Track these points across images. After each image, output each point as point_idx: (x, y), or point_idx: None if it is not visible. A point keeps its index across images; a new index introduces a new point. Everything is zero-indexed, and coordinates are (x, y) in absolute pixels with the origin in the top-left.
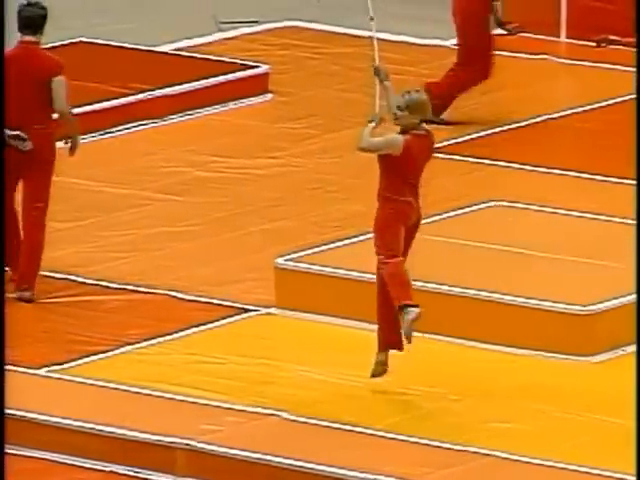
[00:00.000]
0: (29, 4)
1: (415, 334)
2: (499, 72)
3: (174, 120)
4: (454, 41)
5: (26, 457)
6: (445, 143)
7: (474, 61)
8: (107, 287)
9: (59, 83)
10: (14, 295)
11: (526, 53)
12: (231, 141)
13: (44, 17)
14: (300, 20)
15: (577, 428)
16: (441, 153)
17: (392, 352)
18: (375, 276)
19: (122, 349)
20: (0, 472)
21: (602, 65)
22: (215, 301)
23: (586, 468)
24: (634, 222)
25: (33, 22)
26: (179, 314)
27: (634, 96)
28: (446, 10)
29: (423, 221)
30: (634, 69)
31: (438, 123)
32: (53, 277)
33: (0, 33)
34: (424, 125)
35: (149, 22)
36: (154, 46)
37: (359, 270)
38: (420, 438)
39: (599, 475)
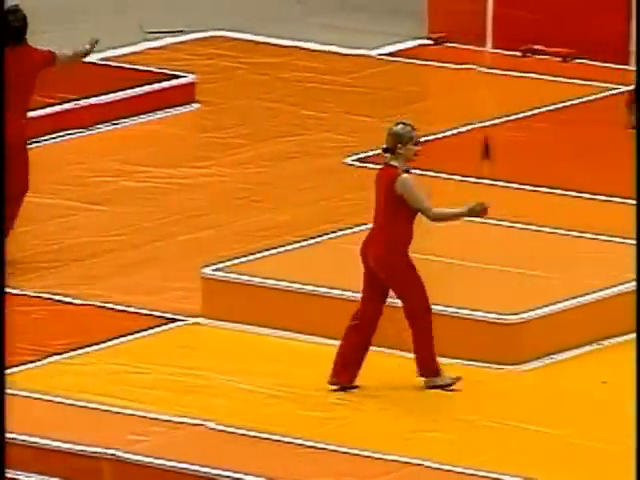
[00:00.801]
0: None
1: None
2: (425, 82)
3: (101, 130)
4: (380, 51)
5: None
6: (371, 153)
7: None
8: (33, 297)
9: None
10: None
11: (452, 63)
12: (157, 151)
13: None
14: (225, 30)
15: (504, 437)
16: (369, 163)
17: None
18: None
19: (48, 359)
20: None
21: (528, 75)
22: (141, 311)
23: (512, 477)
24: (565, 232)
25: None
26: (105, 324)
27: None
28: (373, 21)
29: (348, 231)
30: (560, 78)
31: None
32: None
33: (0, 33)
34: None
35: (75, 32)
36: None
37: (287, 280)
38: (348, 448)
39: None
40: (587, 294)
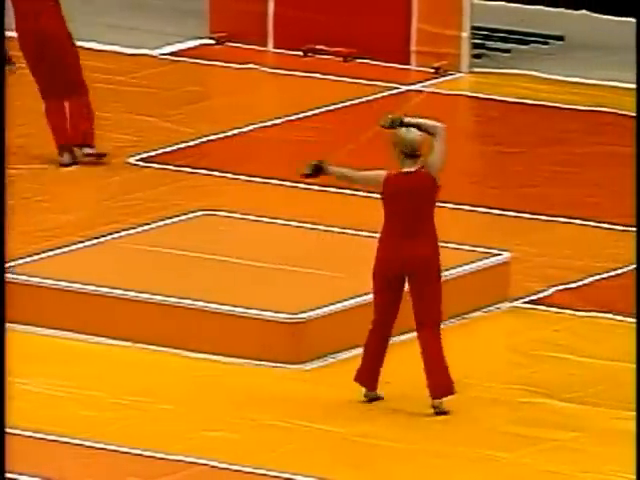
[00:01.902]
0: None
1: (126, 343)
2: (208, 81)
3: None
4: (162, 51)
5: None
6: (153, 153)
7: None
8: None
9: None
10: None
11: (234, 63)
12: None
13: None
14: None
15: (290, 436)
16: (152, 163)
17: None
18: None
19: None
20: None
21: (310, 75)
22: None
23: (298, 476)
24: (354, 232)
25: None
26: None
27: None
28: (155, 20)
29: (132, 231)
30: (342, 78)
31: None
32: None
33: (0, 33)
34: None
35: None
36: None
37: (67, 280)
38: (131, 448)
39: None
40: (369, 293)
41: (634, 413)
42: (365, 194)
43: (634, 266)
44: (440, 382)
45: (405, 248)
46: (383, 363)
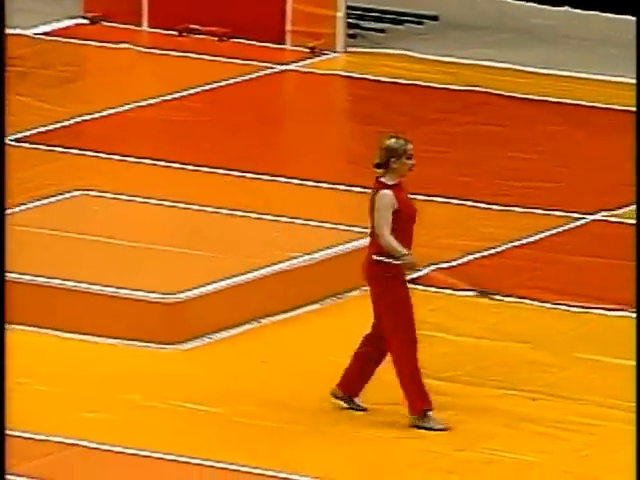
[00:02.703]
0: None
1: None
2: (82, 61)
3: None
4: (36, 30)
5: None
6: (28, 133)
7: None
8: None
9: None
10: None
11: (108, 42)
12: None
13: None
14: None
15: (167, 416)
16: (25, 142)
17: None
18: None
19: None
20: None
21: (185, 54)
22: None
23: (179, 457)
24: (228, 212)
25: None
26: None
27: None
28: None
29: (9, 211)
30: (217, 58)
31: None
32: None
33: (0, 34)
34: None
35: None
36: None
37: None
38: (7, 429)
39: (186, 463)
40: (247, 272)
41: (506, 392)
42: (240, 174)
43: (512, 244)
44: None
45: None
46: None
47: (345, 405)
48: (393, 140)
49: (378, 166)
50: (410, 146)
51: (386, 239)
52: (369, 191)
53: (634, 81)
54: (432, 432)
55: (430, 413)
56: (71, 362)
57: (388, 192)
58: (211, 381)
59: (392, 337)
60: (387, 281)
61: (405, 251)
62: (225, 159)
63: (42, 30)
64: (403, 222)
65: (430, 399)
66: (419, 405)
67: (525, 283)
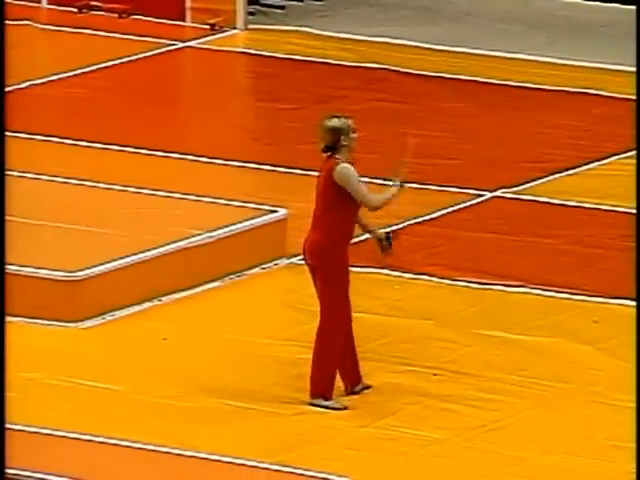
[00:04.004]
0: None
1: None
2: None
3: None
4: None
5: None
6: None
7: None
8: None
9: None
10: None
11: (8, 19)
12: None
13: None
14: None
15: (70, 394)
16: None
17: None
18: None
19: None
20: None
21: (85, 31)
22: None
23: (74, 434)
24: (134, 190)
25: None
26: None
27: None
28: None
29: None
30: (117, 35)
31: None
32: None
33: (0, 34)
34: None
35: None
36: None
37: None
38: None
39: (90, 441)
40: (147, 250)
41: (409, 368)
42: (141, 151)
43: (417, 219)
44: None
45: (307, 237)
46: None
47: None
48: (335, 120)
49: (329, 149)
50: (351, 121)
51: (376, 203)
52: (270, 168)
53: (529, 57)
54: (334, 410)
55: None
56: None
57: (346, 164)
58: (113, 359)
59: (329, 320)
60: (336, 263)
61: (393, 188)
62: (125, 136)
63: None
64: (352, 203)
65: (333, 387)
66: (321, 391)
67: (426, 260)
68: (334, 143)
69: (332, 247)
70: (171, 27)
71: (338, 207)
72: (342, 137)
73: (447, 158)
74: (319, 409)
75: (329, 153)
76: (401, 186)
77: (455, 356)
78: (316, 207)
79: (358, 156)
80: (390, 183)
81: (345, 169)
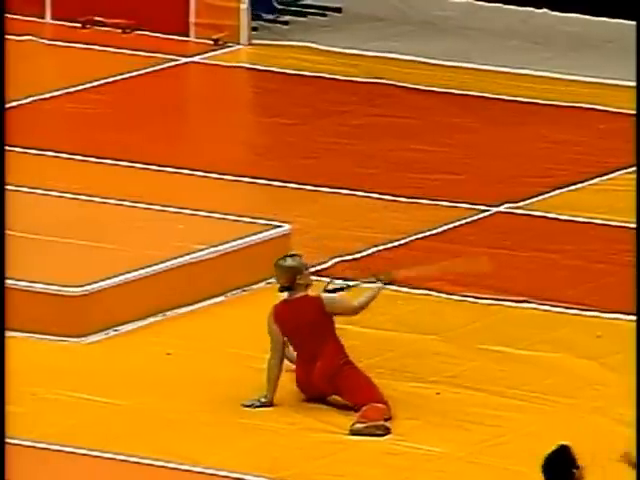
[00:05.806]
0: None
1: None
2: None
3: None
4: None
5: None
6: None
7: None
8: None
9: None
10: None
11: (11, 34)
12: None
13: None
14: None
15: (71, 409)
16: None
17: None
18: None
19: None
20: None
21: (89, 46)
22: None
23: (81, 449)
24: (131, 204)
25: None
26: None
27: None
28: None
29: None
30: (121, 50)
31: None
32: None
33: (0, 34)
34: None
35: None
36: None
37: None
38: None
39: (87, 455)
40: (150, 265)
41: (412, 383)
42: (144, 166)
43: (417, 236)
44: None
45: (311, 372)
46: None
47: None
48: (290, 260)
49: (286, 289)
50: (304, 258)
51: (363, 304)
52: (274, 183)
53: (533, 72)
54: (337, 424)
55: None
56: None
57: (323, 294)
58: (116, 374)
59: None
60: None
61: (379, 283)
62: (128, 151)
63: None
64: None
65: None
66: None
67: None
68: (291, 283)
69: (338, 364)
70: (175, 42)
71: (332, 330)
72: (298, 276)
73: (451, 173)
74: (325, 423)
75: (287, 293)
76: (384, 286)
77: (458, 371)
78: (304, 342)
79: (359, 171)
80: (374, 281)
81: (329, 298)
